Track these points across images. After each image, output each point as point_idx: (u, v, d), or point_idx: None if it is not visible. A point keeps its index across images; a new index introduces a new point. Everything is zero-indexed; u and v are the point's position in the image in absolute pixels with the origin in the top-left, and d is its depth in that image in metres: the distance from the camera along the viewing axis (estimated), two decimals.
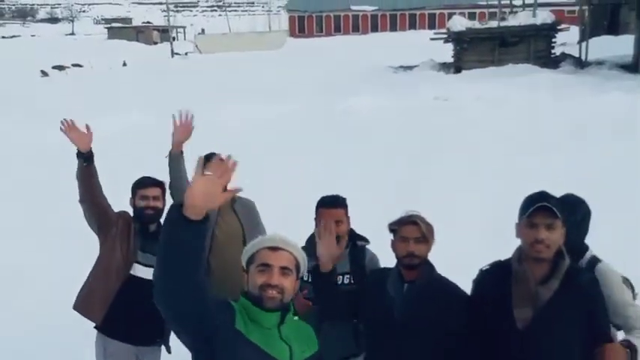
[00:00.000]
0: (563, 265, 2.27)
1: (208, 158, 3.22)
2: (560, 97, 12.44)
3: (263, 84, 19.30)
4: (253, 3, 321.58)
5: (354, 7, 51.31)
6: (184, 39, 78.92)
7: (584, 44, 19.81)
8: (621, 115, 10.28)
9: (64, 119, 3.00)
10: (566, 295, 2.24)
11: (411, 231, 2.44)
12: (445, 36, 20.38)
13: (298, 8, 52.28)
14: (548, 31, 19.39)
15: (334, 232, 2.56)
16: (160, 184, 3.12)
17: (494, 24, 19.55)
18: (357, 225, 3.02)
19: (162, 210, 3.08)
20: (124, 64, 42.09)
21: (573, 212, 2.51)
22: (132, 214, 3.11)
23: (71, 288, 3.26)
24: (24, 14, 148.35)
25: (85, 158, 2.97)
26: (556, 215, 2.25)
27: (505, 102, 12.21)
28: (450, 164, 8.16)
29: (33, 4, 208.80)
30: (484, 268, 2.49)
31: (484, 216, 6.06)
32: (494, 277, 2.40)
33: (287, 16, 53.83)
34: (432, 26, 49.63)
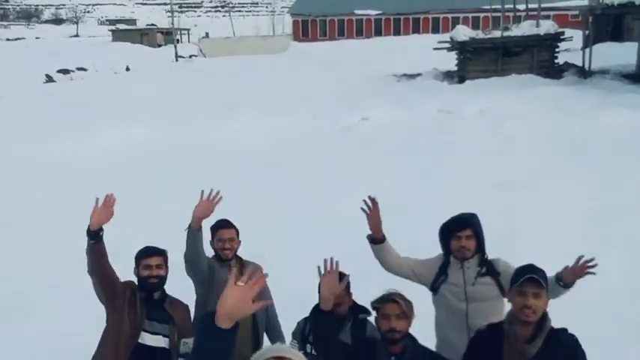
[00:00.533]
0: (547, 326, 2.56)
1: (220, 226, 3.32)
2: (562, 112, 12.51)
3: (266, 94, 19.39)
4: (257, 3, 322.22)
5: (357, 12, 51.37)
6: (188, 41, 79.11)
7: (587, 52, 19.82)
8: (623, 133, 10.35)
9: (107, 195, 3.09)
10: (550, 352, 2.53)
11: (391, 308, 2.64)
12: (448, 45, 20.41)
13: (302, 12, 52.37)
14: (551, 41, 19.43)
15: (337, 269, 2.67)
16: (161, 253, 3.18)
17: (497, 34, 19.58)
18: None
19: (165, 278, 3.17)
20: (127, 69, 42.17)
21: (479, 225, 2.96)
22: (136, 282, 3.18)
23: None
24: (28, 16, 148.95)
25: (93, 236, 3.04)
26: (542, 285, 2.55)
27: (507, 117, 12.25)
28: (450, 186, 8.24)
29: (37, 5, 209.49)
30: (480, 329, 2.74)
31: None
32: (489, 336, 2.66)
33: (291, 20, 53.87)
34: (435, 30, 49.71)
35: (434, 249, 3.20)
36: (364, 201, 3.12)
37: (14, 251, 6.57)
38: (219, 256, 3.37)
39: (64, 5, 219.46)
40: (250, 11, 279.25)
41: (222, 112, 15.47)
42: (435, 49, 20.74)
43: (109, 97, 20.39)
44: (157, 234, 5.23)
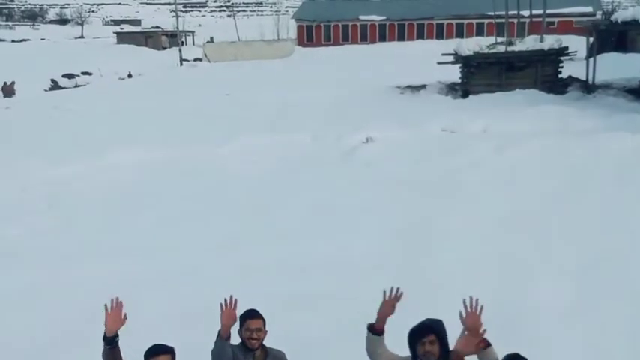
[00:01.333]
0: None
1: (248, 316, 3.41)
2: (565, 135, 12.58)
3: (266, 106, 19.56)
4: (261, 3, 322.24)
5: (362, 17, 51.41)
6: (193, 44, 79.22)
7: (591, 64, 19.85)
8: (625, 160, 10.44)
9: (112, 299, 3.19)
10: None
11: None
12: (452, 59, 20.49)
13: (307, 18, 52.42)
14: (555, 57, 19.50)
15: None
16: (169, 351, 3.19)
17: (501, 49, 19.65)
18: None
19: None
20: (129, 76, 42.16)
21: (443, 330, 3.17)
22: None
23: None
24: (33, 16, 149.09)
25: (109, 341, 3.13)
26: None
27: (510, 140, 12.33)
28: (453, 214, 8.34)
29: (42, 5, 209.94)
30: None
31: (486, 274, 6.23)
32: None
33: (295, 24, 53.93)
34: (439, 36, 49.78)
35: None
36: (385, 291, 3.24)
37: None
38: (245, 344, 3.47)
39: (69, 5, 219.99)
40: (254, 11, 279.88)
41: (220, 129, 15.64)
42: (439, 63, 20.82)
43: (109, 111, 20.54)
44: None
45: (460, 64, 20.24)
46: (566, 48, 19.57)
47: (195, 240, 7.76)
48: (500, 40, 21.54)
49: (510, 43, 19.80)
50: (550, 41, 19.57)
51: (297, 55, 47.82)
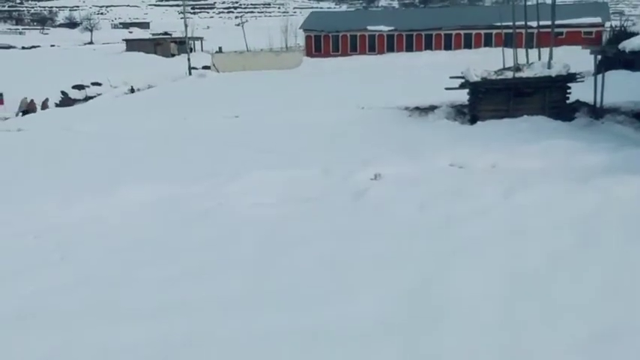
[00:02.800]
0: None
1: None
2: (572, 176, 12.68)
3: (278, 134, 19.73)
4: (269, 4, 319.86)
5: (370, 28, 51.56)
6: (201, 50, 79.64)
7: (599, 85, 19.87)
8: (633, 209, 10.51)
9: None
10: None
11: None
12: (460, 84, 20.57)
13: (315, 28, 52.61)
14: (562, 83, 19.55)
15: None
16: None
17: (509, 75, 19.71)
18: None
19: None
20: (132, 90, 42.31)
21: None
22: None
23: None
24: (43, 20, 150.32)
25: None
26: None
27: (519, 180, 12.43)
28: (458, 272, 8.43)
29: (52, 7, 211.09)
30: None
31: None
32: None
33: (303, 35, 54.12)
34: (448, 47, 49.90)
35: None
36: None
37: None
38: None
39: (78, 7, 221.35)
40: (262, 12, 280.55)
41: (230, 160, 15.81)
42: (447, 88, 20.91)
43: (117, 136, 20.74)
44: None
45: (468, 90, 20.32)
46: (574, 75, 19.61)
47: (197, 301, 7.88)
48: (508, 61, 21.62)
49: (518, 69, 19.87)
50: (558, 67, 19.62)
51: (305, 66, 48.06)
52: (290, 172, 14.30)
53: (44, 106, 37.18)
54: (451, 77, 21.29)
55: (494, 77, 19.76)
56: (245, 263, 9.11)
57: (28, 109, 35.52)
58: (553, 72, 19.50)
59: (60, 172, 16.01)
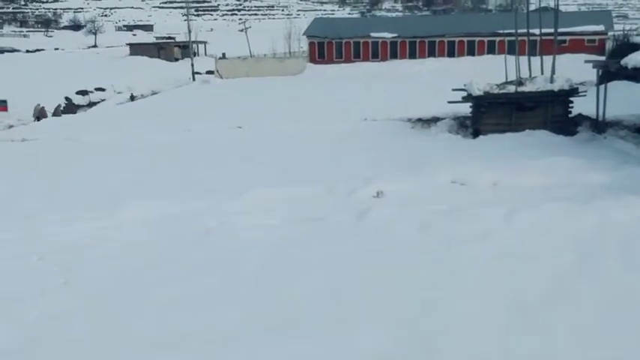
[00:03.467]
0: None
1: None
2: (573, 196, 12.73)
3: (281, 146, 19.82)
4: (273, 7, 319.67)
5: (373, 34, 51.60)
6: (205, 54, 79.81)
7: (601, 98, 19.91)
8: (633, 232, 10.55)
9: None
10: None
11: None
12: (463, 98, 20.63)
13: (318, 34, 52.68)
14: (565, 97, 19.60)
15: None
16: None
17: (511, 89, 19.76)
18: None
19: None
20: (132, 98, 42.32)
21: None
22: None
23: None
24: (47, 22, 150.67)
25: None
26: None
27: (520, 201, 12.48)
28: (459, 299, 8.47)
29: (56, 9, 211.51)
30: None
31: None
32: None
33: (307, 41, 54.18)
34: (451, 54, 49.92)
35: None
36: None
37: None
38: None
39: (82, 9, 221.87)
40: (266, 15, 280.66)
41: (233, 174, 15.88)
42: (449, 102, 20.96)
43: (119, 147, 20.81)
44: None
45: (471, 104, 20.37)
46: (577, 89, 19.66)
47: (197, 332, 7.93)
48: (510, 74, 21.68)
49: (520, 83, 19.91)
50: (560, 82, 19.67)
51: (309, 72, 48.11)
52: (292, 190, 14.36)
53: (56, 112, 37.41)
54: (454, 90, 21.35)
55: (496, 91, 19.82)
56: (246, 291, 9.15)
57: (40, 115, 36.00)
58: (555, 86, 19.55)
59: (63, 186, 16.10)
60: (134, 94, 43.52)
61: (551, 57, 20.53)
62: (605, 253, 9.89)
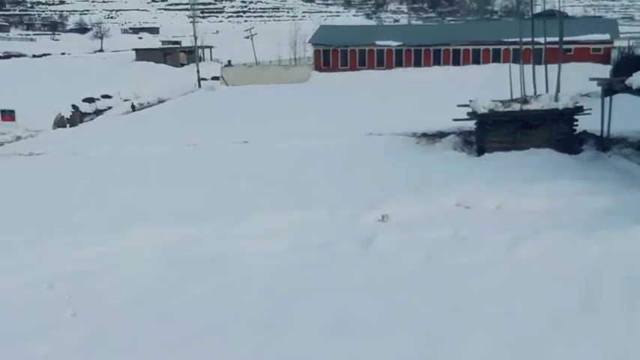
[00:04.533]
0: None
1: None
2: (575, 222, 12.84)
3: (286, 163, 19.96)
4: (278, 9, 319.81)
5: (378, 43, 51.72)
6: (211, 59, 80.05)
7: (606, 111, 19.98)
8: (637, 266, 10.65)
9: None
10: None
11: None
12: (468, 114, 20.73)
13: (323, 42, 52.85)
14: (569, 115, 19.68)
15: None
16: None
17: (516, 107, 19.85)
18: None
19: None
20: (133, 109, 42.37)
21: None
22: None
23: None
24: (54, 25, 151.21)
25: None
26: None
27: (524, 228, 12.57)
28: (462, 335, 8.59)
29: (62, 11, 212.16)
30: None
31: None
32: None
33: (312, 48, 54.33)
34: (456, 62, 50.03)
35: None
36: None
37: None
38: None
39: (88, 11, 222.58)
40: (271, 17, 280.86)
41: (238, 196, 16.03)
42: (454, 119, 21.07)
43: (125, 162, 20.97)
44: None
45: (476, 122, 20.47)
46: (581, 107, 19.73)
47: None
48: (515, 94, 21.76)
49: (525, 101, 19.99)
50: (565, 100, 19.76)
51: (314, 80, 48.27)
52: (297, 213, 14.48)
53: (62, 122, 37.83)
54: (459, 105, 21.43)
55: (501, 109, 19.90)
56: (251, 325, 9.27)
57: (60, 124, 36.60)
58: (560, 105, 19.64)
59: (71, 206, 16.27)
60: (134, 104, 43.56)
61: (555, 65, 20.51)
62: (608, 288, 9.98)
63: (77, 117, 38.43)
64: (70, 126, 36.14)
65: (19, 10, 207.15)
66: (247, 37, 57.93)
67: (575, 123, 19.92)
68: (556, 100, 19.73)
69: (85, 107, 45.55)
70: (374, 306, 9.76)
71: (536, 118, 19.68)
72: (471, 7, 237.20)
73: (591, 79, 20.78)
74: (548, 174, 16.80)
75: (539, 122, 19.72)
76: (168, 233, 13.55)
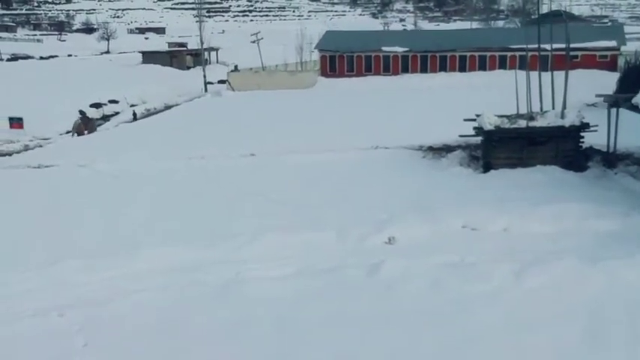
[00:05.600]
0: None
1: None
2: (581, 247, 12.93)
3: (293, 180, 20.08)
4: (284, 8, 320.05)
5: (385, 48, 51.77)
6: (217, 61, 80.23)
7: (612, 129, 20.03)
8: None
9: None
10: None
11: None
12: (474, 129, 20.79)
13: (330, 48, 52.93)
14: (575, 133, 19.73)
15: None
16: None
17: (522, 123, 19.91)
18: None
19: None
20: (134, 116, 42.42)
21: None
22: None
23: None
24: (60, 26, 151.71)
25: None
26: None
27: (530, 255, 12.66)
28: None
29: (69, 10, 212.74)
30: None
31: None
32: None
33: (318, 54, 54.43)
34: (462, 69, 50.06)
35: None
36: None
37: None
38: None
39: (94, 10, 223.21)
40: (277, 16, 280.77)
41: (244, 216, 16.18)
42: (460, 136, 21.15)
43: (131, 179, 21.12)
44: None
45: (482, 138, 20.53)
46: (588, 124, 19.77)
47: None
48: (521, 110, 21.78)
49: (532, 118, 20.04)
50: (571, 117, 19.79)
51: (320, 86, 48.39)
52: (304, 235, 14.58)
53: (91, 128, 38.30)
54: (465, 120, 21.50)
55: (507, 126, 19.96)
56: (260, 358, 9.43)
57: (78, 131, 37.07)
58: (566, 122, 19.69)
59: (80, 225, 16.44)
60: (136, 113, 43.66)
61: (562, 72, 20.45)
62: (614, 321, 10.05)
63: (94, 124, 38.77)
64: (89, 132, 36.56)
65: (26, 10, 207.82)
66: (253, 42, 58.00)
67: (581, 140, 19.96)
68: (562, 116, 19.76)
69: (93, 112, 45.79)
70: (379, 338, 9.88)
71: (542, 135, 19.73)
72: (477, 6, 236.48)
73: (597, 96, 20.84)
74: (555, 194, 16.85)
75: (546, 139, 19.76)
76: (177, 256, 13.71)
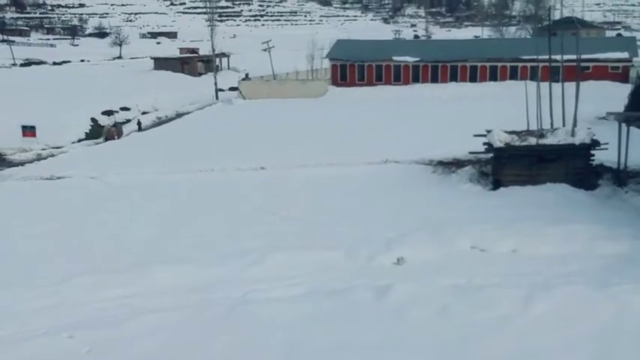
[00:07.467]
0: None
1: None
2: (590, 270, 12.91)
3: (302, 196, 20.15)
4: (296, 13, 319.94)
5: (395, 58, 51.78)
6: (228, 68, 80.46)
7: (623, 148, 19.95)
8: None
9: None
10: None
11: None
12: (484, 145, 20.78)
13: (340, 57, 53.01)
14: (586, 151, 19.68)
15: None
16: None
17: (532, 141, 19.89)
18: None
19: None
20: (139, 126, 42.52)
21: None
22: None
23: None
24: (73, 30, 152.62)
25: None
26: None
27: (538, 280, 12.65)
28: None
29: (82, 14, 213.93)
30: None
31: None
32: None
33: (329, 63, 54.53)
34: (473, 79, 49.98)
35: None
36: None
37: None
38: None
39: (107, 14, 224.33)
40: (289, 20, 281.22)
41: (253, 234, 16.25)
42: (470, 152, 21.16)
43: (142, 191, 21.25)
44: None
45: (492, 155, 20.52)
46: (598, 142, 19.72)
47: None
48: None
49: (542, 135, 20.02)
50: (582, 135, 19.76)
51: (331, 95, 48.46)
52: (314, 255, 14.64)
53: (119, 133, 38.98)
54: (475, 135, 21.50)
55: (517, 143, 19.95)
56: None
57: (108, 135, 37.71)
58: (577, 140, 19.65)
59: (91, 242, 16.58)
60: (140, 122, 43.83)
61: (572, 84, 20.35)
62: (622, 350, 10.04)
63: (121, 129, 39.65)
64: (118, 137, 37.56)
65: (40, 13, 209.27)
66: (265, 50, 58.15)
67: (591, 158, 19.90)
68: (572, 134, 19.72)
69: (104, 120, 46.08)
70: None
71: (552, 152, 19.70)
72: (489, 12, 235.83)
73: (609, 114, 20.76)
74: (564, 214, 16.83)
75: (556, 157, 19.72)
76: (187, 275, 13.80)
